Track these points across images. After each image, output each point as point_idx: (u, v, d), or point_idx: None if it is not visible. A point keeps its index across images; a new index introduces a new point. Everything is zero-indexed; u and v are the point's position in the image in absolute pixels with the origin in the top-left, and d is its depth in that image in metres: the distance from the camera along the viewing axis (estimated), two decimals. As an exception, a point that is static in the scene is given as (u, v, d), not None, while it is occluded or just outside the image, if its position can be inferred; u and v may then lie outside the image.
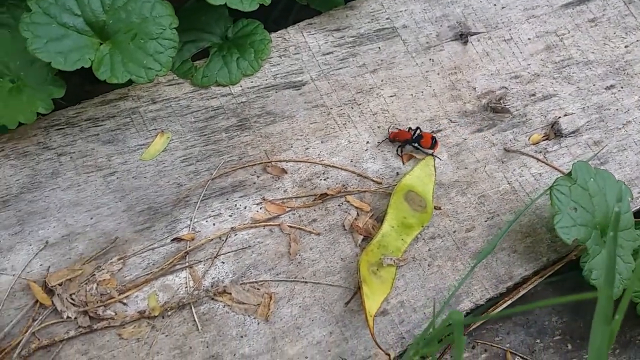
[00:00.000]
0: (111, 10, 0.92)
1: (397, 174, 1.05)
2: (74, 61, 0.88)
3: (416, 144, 1.04)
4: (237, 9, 0.96)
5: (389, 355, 0.87)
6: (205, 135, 1.03)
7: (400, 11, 1.18)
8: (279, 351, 0.90)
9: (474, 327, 1.00)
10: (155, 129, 1.01)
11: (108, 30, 0.92)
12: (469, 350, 1.02)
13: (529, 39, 1.20)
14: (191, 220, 0.96)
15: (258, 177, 1.01)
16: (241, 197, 0.99)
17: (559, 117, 1.13)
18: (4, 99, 0.91)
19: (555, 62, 1.19)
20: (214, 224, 0.97)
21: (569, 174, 0.97)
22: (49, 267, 0.90)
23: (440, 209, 1.02)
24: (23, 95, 0.90)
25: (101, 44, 0.91)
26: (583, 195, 0.96)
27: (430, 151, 1.04)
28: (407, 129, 1.06)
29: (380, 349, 0.88)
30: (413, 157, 1.05)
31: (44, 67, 0.90)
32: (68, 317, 0.87)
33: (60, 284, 0.88)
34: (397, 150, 1.06)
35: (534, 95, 1.15)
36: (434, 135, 1.05)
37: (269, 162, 1.02)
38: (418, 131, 1.05)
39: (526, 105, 1.14)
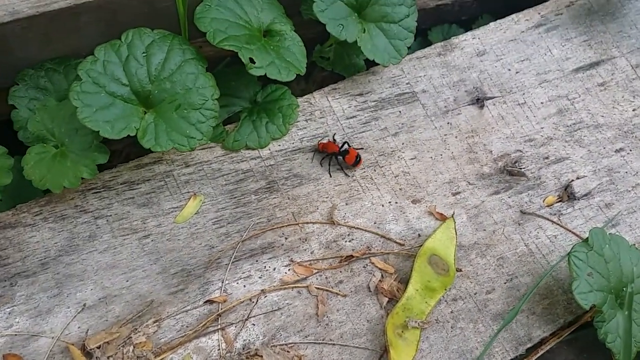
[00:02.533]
0: (157, 81, 0.95)
1: (419, 235, 1.08)
2: (121, 129, 0.91)
3: (341, 158, 1.07)
4: (277, 79, 1.00)
5: None
6: (235, 197, 1.06)
7: (420, 76, 1.23)
8: (308, 414, 0.92)
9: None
10: (188, 192, 1.04)
11: (153, 100, 0.95)
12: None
13: (541, 103, 1.24)
14: (222, 282, 0.99)
15: (286, 238, 1.04)
16: (270, 258, 1.02)
17: (572, 180, 1.17)
18: (48, 164, 0.94)
19: (567, 126, 1.23)
20: (244, 286, 0.99)
21: (586, 240, 1.00)
22: (87, 329, 0.92)
23: (461, 270, 1.06)
24: (67, 160, 0.94)
25: (145, 112, 0.94)
26: (599, 261, 0.99)
27: (353, 168, 1.09)
28: (335, 142, 1.10)
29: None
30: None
31: (89, 135, 0.93)
32: (106, 380, 0.89)
33: (98, 347, 0.91)
34: (320, 162, 1.09)
35: (547, 158, 1.19)
36: (359, 154, 1.09)
37: (296, 223, 1.05)
38: (345, 146, 1.08)
39: (540, 168, 1.17)
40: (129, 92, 0.94)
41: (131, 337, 0.92)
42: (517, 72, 1.26)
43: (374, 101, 1.18)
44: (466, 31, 1.46)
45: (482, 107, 1.22)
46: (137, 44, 0.96)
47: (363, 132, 1.15)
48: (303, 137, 1.12)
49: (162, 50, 0.97)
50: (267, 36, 1.06)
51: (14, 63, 1.03)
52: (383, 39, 1.14)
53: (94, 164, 0.93)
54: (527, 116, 1.22)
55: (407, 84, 1.21)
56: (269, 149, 1.10)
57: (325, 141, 1.09)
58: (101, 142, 0.94)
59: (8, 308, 0.92)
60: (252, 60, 0.99)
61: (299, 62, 1.05)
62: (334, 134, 1.11)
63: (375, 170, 1.12)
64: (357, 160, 1.07)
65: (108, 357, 0.90)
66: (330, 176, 1.09)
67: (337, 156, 1.07)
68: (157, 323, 0.94)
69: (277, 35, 1.06)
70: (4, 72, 1.04)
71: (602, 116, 1.23)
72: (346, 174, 1.10)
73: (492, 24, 1.32)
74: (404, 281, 1.02)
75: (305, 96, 1.16)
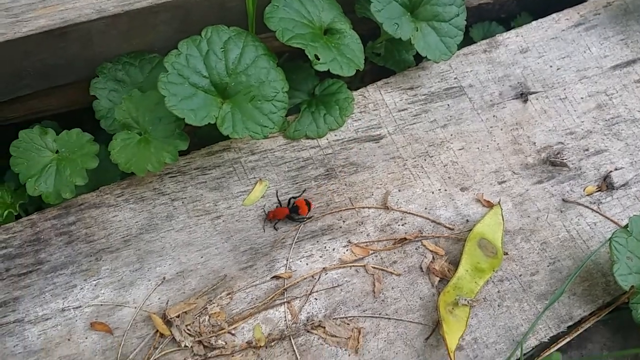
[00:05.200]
0: (234, 74, 1.03)
1: (467, 221, 1.14)
2: (202, 118, 0.99)
3: (295, 215, 1.07)
4: (339, 74, 1.07)
5: None
6: (297, 183, 1.13)
7: (467, 71, 1.29)
8: (368, 381, 0.99)
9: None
10: (255, 177, 1.12)
11: (229, 91, 1.03)
12: (530, 384, 1.11)
13: (581, 98, 1.30)
14: (287, 260, 1.07)
15: (344, 221, 1.11)
16: (330, 239, 1.09)
17: (610, 171, 1.22)
18: (133, 150, 1.02)
19: (606, 120, 1.28)
20: (307, 264, 1.07)
21: (626, 226, 1.06)
22: (167, 300, 1.00)
23: (507, 254, 1.12)
24: (150, 146, 1.01)
25: (223, 103, 1.02)
26: (638, 246, 1.05)
27: (308, 216, 1.08)
28: (278, 206, 1.09)
29: (464, 382, 0.97)
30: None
31: (172, 123, 1.01)
32: (185, 345, 0.97)
33: (177, 316, 0.99)
34: (274, 226, 1.08)
35: (587, 150, 1.25)
36: (306, 199, 1.08)
37: (353, 208, 1.13)
38: (292, 201, 1.07)
39: (581, 160, 1.23)
40: (208, 83, 1.02)
41: (206, 308, 1.00)
42: (558, 69, 1.32)
43: (424, 95, 1.24)
44: (505, 29, 1.52)
45: (525, 101, 1.27)
46: (216, 40, 1.03)
47: (414, 123, 1.21)
48: (358, 128, 1.19)
49: (238, 46, 1.05)
50: (328, 34, 1.13)
51: (94, 57, 1.10)
52: (434, 36, 1.20)
53: (175, 150, 1.01)
54: (568, 110, 1.27)
55: (454, 78, 1.27)
56: (327, 139, 1.17)
57: (273, 209, 1.07)
58: (183, 129, 1.01)
59: (94, 280, 1.00)
60: (316, 57, 1.06)
61: (358, 58, 1.12)
62: (276, 194, 1.12)
63: (425, 160, 1.18)
64: (309, 206, 1.07)
65: (186, 326, 0.98)
66: (301, 223, 1.09)
67: (291, 216, 1.07)
68: (230, 296, 1.02)
69: (337, 33, 1.13)
70: (85, 66, 1.11)
71: (639, 111, 1.28)
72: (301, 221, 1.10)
73: (534, 22, 1.37)
74: (454, 262, 1.09)
75: (360, 90, 1.23)
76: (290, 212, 1.06)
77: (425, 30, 1.19)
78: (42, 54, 1.00)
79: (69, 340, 0.95)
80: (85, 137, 1.02)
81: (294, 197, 1.08)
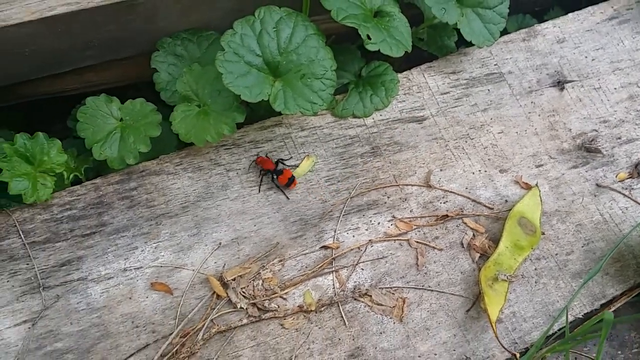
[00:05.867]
0: (285, 53, 1.07)
1: (506, 201, 1.19)
2: (256, 94, 1.03)
3: (274, 177, 1.09)
4: (388, 54, 1.11)
5: (515, 355, 1.01)
6: (344, 159, 1.17)
7: (506, 59, 1.33)
8: (412, 347, 1.04)
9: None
10: (304, 152, 1.17)
11: (281, 70, 1.07)
12: (562, 358, 1.16)
13: (614, 88, 1.34)
14: (335, 232, 1.11)
15: (388, 197, 1.16)
16: (375, 214, 1.14)
17: (643, 159, 1.27)
18: (193, 121, 1.06)
19: (637, 110, 1.32)
20: (353, 236, 1.11)
21: (659, 210, 1.10)
22: (223, 264, 1.05)
23: (544, 233, 1.16)
24: (210, 118, 1.06)
25: (275, 80, 1.06)
26: (671, 230, 1.09)
27: (286, 189, 1.11)
28: (275, 161, 1.10)
29: (507, 350, 1.01)
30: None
31: (231, 97, 1.05)
32: (240, 307, 1.02)
33: (233, 279, 1.03)
34: (259, 175, 1.10)
35: (619, 138, 1.29)
36: (294, 175, 1.10)
37: (397, 185, 1.17)
38: (281, 166, 1.09)
39: (613, 147, 1.27)
40: (261, 62, 1.06)
41: (260, 273, 1.05)
42: (592, 60, 1.36)
43: (465, 79, 1.29)
44: (538, 22, 1.55)
45: (562, 89, 1.31)
46: (268, 20, 1.08)
47: (455, 106, 1.25)
48: (402, 109, 1.23)
49: (289, 26, 1.09)
50: (378, 17, 1.17)
51: (155, 31, 1.15)
52: (479, 23, 1.24)
53: (233, 122, 1.06)
54: (601, 100, 1.32)
55: (495, 65, 1.31)
56: (373, 118, 1.21)
57: (264, 157, 1.09)
58: (240, 103, 1.06)
59: (154, 243, 1.05)
60: (368, 37, 1.10)
61: (406, 40, 1.16)
62: (280, 159, 1.13)
63: (466, 142, 1.22)
64: (290, 182, 1.09)
65: (241, 289, 1.02)
66: (259, 192, 1.11)
67: (272, 174, 1.08)
68: (281, 262, 1.06)
69: (386, 15, 1.17)
70: (145, 40, 1.16)
71: (671, 103, 1.33)
72: (283, 192, 1.13)
73: (570, 14, 1.41)
74: (494, 240, 1.13)
75: (404, 72, 1.27)
76: (273, 172, 1.08)
77: (470, 17, 1.23)
78: (109, 25, 1.05)
79: (130, 298, 0.99)
80: (149, 106, 1.07)
81: (283, 163, 1.11)
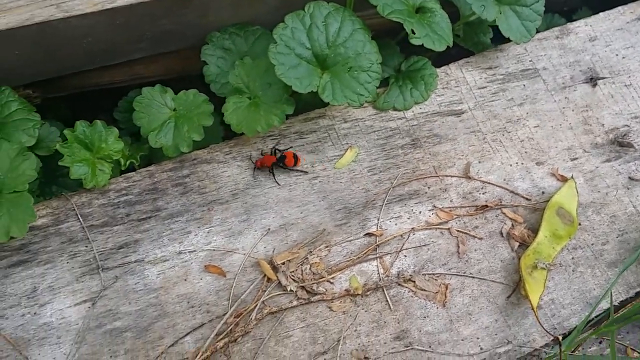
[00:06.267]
0: (333, 46, 1.11)
1: (543, 192, 1.22)
2: (306, 86, 1.07)
3: (281, 164, 1.10)
4: (431, 48, 1.14)
5: (557, 338, 1.04)
6: (385, 150, 1.21)
7: (541, 55, 1.37)
8: (455, 331, 1.07)
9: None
10: (347, 144, 1.20)
11: (328, 62, 1.11)
12: (596, 344, 1.19)
13: (646, 85, 1.37)
14: (378, 220, 1.15)
15: (429, 188, 1.19)
16: (416, 203, 1.17)
17: (674, 154, 1.30)
18: (244, 112, 1.10)
19: (668, 106, 1.35)
20: (396, 224, 1.15)
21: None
22: (273, 249, 1.09)
23: (580, 224, 1.20)
24: (260, 109, 1.10)
25: (323, 73, 1.10)
26: None
27: (297, 167, 1.12)
28: (269, 153, 1.12)
29: (549, 334, 1.05)
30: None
31: (281, 89, 1.09)
32: (290, 290, 1.05)
33: (282, 263, 1.07)
34: (271, 175, 1.13)
35: (651, 133, 1.32)
36: (295, 153, 1.12)
37: (437, 176, 1.21)
38: (278, 153, 1.10)
39: (646, 142, 1.30)
40: (311, 55, 1.10)
41: (307, 258, 1.08)
42: (623, 57, 1.39)
43: (502, 75, 1.32)
44: (567, 21, 1.59)
45: (594, 85, 1.35)
46: (317, 15, 1.11)
47: (492, 101, 1.29)
48: (441, 103, 1.27)
49: (337, 20, 1.13)
50: (420, 12, 1.21)
51: (205, 25, 1.19)
52: (516, 19, 1.28)
53: (283, 113, 1.09)
54: (632, 96, 1.35)
55: (530, 61, 1.35)
56: (412, 111, 1.25)
57: (261, 157, 1.12)
58: (290, 95, 1.10)
59: (207, 228, 1.08)
60: (412, 31, 1.14)
61: (447, 35, 1.20)
62: (273, 147, 1.16)
63: (503, 135, 1.26)
64: (296, 159, 1.10)
65: (290, 272, 1.06)
66: (279, 184, 1.13)
67: (278, 165, 1.10)
68: (328, 248, 1.10)
69: (428, 12, 1.20)
70: (195, 34, 1.20)
71: (702, 99, 1.36)
72: (303, 171, 1.14)
73: (601, 14, 1.45)
74: (532, 229, 1.17)
75: (442, 67, 1.31)
76: (277, 161, 1.09)
77: (508, 14, 1.26)
78: (164, 18, 1.09)
79: (185, 280, 1.03)
80: (201, 97, 1.11)
81: (278, 150, 1.12)
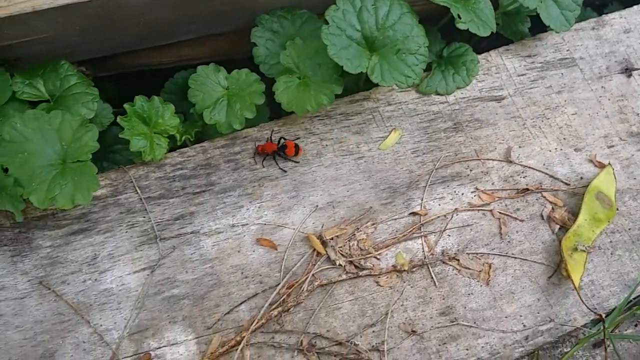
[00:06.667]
0: (382, 29, 1.14)
1: (581, 178, 1.25)
2: (356, 66, 1.10)
3: (282, 153, 1.11)
4: (476, 33, 1.17)
5: (601, 316, 1.07)
6: (428, 133, 1.24)
7: (578, 45, 1.39)
8: (499, 309, 1.10)
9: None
10: (391, 126, 1.23)
11: (377, 44, 1.13)
12: (632, 327, 1.22)
13: (680, 76, 1.40)
14: (422, 200, 1.18)
15: (470, 170, 1.22)
16: (458, 185, 1.20)
17: None
18: (294, 92, 1.13)
19: (702, 98, 1.38)
20: (439, 205, 1.18)
21: None
22: (321, 225, 1.12)
23: (618, 209, 1.22)
24: (310, 89, 1.13)
25: (371, 54, 1.13)
26: None
27: (296, 159, 1.12)
28: (270, 141, 1.13)
29: (593, 312, 1.07)
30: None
31: (330, 69, 1.12)
32: (339, 264, 1.08)
33: (331, 239, 1.10)
34: (262, 162, 1.12)
35: (686, 123, 1.34)
36: (297, 143, 1.12)
37: (478, 159, 1.23)
38: (282, 141, 1.11)
39: (681, 132, 1.33)
40: (360, 37, 1.13)
41: (355, 235, 1.11)
42: (658, 49, 1.41)
43: (540, 63, 1.35)
44: (598, 14, 1.62)
45: (629, 76, 1.38)
46: (367, -2, 1.14)
47: (531, 88, 1.32)
48: (482, 88, 1.30)
49: (386, 4, 1.15)
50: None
51: (254, 8, 1.22)
52: (556, 9, 1.30)
53: (332, 93, 1.12)
54: (667, 87, 1.37)
55: (567, 50, 1.37)
56: (454, 96, 1.28)
57: (262, 143, 1.12)
58: (339, 76, 1.12)
59: (258, 203, 1.11)
60: (459, 16, 1.17)
61: (491, 21, 1.23)
62: (271, 135, 1.16)
63: (542, 121, 1.29)
64: (297, 149, 1.11)
65: (339, 247, 1.09)
66: (285, 171, 1.14)
67: (278, 153, 1.11)
68: (374, 226, 1.13)
69: (472, -1, 1.23)
70: (244, 16, 1.23)
71: None
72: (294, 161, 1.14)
73: (635, 7, 1.47)
74: (572, 213, 1.19)
75: (483, 54, 1.33)
76: (278, 150, 1.10)
77: (548, 3, 1.29)
78: (218, -1, 1.12)
79: (238, 252, 1.06)
80: (253, 76, 1.14)
81: (284, 138, 1.12)
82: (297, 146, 1.11)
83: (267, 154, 1.11)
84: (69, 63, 1.06)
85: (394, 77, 1.11)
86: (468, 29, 1.17)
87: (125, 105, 1.04)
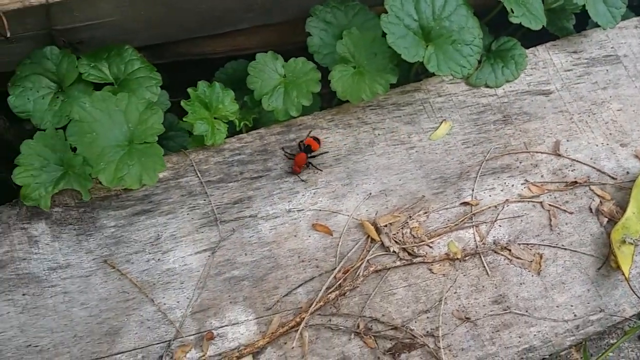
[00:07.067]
0: (438, 19, 1.15)
1: (628, 172, 1.26)
2: (413, 55, 1.11)
3: (311, 154, 1.10)
4: (528, 27, 1.19)
5: None
6: (477, 125, 1.25)
7: (622, 43, 1.40)
8: (550, 298, 1.11)
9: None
10: (441, 117, 1.24)
11: (433, 34, 1.15)
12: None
13: None
14: (472, 191, 1.19)
15: (520, 163, 1.23)
16: (508, 177, 1.21)
17: None
18: (349, 81, 1.14)
19: None
20: (489, 195, 1.19)
21: None
22: (375, 212, 1.13)
23: (665, 204, 1.23)
24: (365, 78, 1.14)
25: (427, 44, 1.15)
26: None
27: (323, 150, 1.13)
28: (298, 151, 1.12)
29: (646, 302, 1.08)
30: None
31: (386, 59, 1.13)
32: (393, 251, 1.10)
33: (385, 226, 1.11)
34: (313, 170, 1.12)
35: None
36: (314, 136, 1.13)
37: (528, 152, 1.25)
38: (302, 144, 1.10)
39: None
40: (417, 26, 1.14)
41: (407, 222, 1.12)
42: (699, 49, 1.42)
43: (586, 59, 1.36)
44: (636, 15, 1.63)
45: (673, 73, 1.38)
46: (425, -12, 1.16)
47: (577, 83, 1.33)
48: (530, 82, 1.31)
49: (442, -6, 1.17)
50: (516, -6, 1.25)
51: (308, -1, 1.23)
52: (603, 6, 1.32)
53: (387, 82, 1.14)
54: None
55: (611, 47, 1.38)
56: (503, 89, 1.29)
57: (293, 164, 1.11)
58: (394, 65, 1.14)
59: (313, 189, 1.13)
60: (512, 10, 1.18)
61: (542, 16, 1.24)
62: (286, 152, 1.14)
63: (589, 116, 1.30)
64: (318, 141, 1.13)
65: (392, 234, 1.10)
66: (321, 170, 1.14)
67: (311, 157, 1.11)
68: (426, 214, 1.14)
69: (523, -7, 1.24)
70: (296, 5, 1.24)
71: None
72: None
73: (677, 8, 1.48)
74: (620, 206, 1.20)
75: (530, 49, 1.35)
76: (307, 153, 1.09)
77: (596, 0, 1.30)
78: (275, -12, 1.13)
79: (295, 236, 1.08)
80: (309, 65, 1.15)
81: (301, 142, 1.11)
82: (316, 138, 1.11)
83: (305, 165, 1.09)
84: (133, 47, 1.08)
85: (449, 67, 1.12)
86: (520, 23, 1.17)
87: (189, 90, 1.05)
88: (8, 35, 0.90)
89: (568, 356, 1.11)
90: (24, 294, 0.97)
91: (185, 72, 1.36)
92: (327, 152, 1.14)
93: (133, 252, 1.01)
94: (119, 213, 1.03)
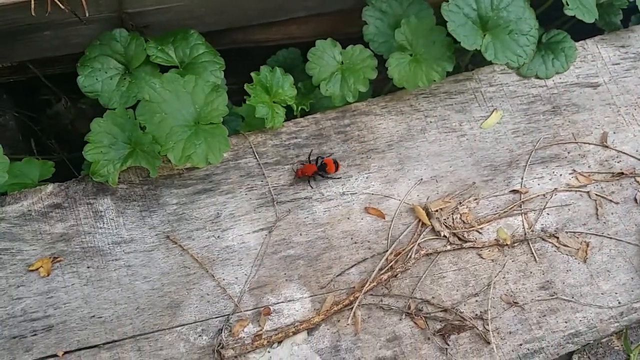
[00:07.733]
0: (496, 10, 1.16)
1: (673, 167, 1.25)
2: (472, 43, 1.12)
3: (322, 173, 1.08)
4: (582, 20, 1.19)
5: None
6: (527, 115, 1.26)
7: (671, 37, 1.39)
8: (595, 285, 1.12)
9: None
10: (492, 106, 1.25)
11: (490, 24, 1.15)
12: None
13: None
14: (522, 179, 1.20)
15: (568, 153, 1.24)
16: (557, 166, 1.22)
17: None
18: (406, 68, 1.16)
19: None
20: (538, 184, 1.20)
21: None
22: (426, 197, 1.15)
23: None
24: (421, 66, 1.15)
25: (484, 33, 1.16)
26: None
27: (338, 175, 1.11)
28: (308, 162, 1.11)
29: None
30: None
31: (444, 47, 1.15)
32: (444, 235, 1.11)
33: (436, 211, 1.13)
34: (309, 183, 1.10)
35: None
36: (335, 159, 1.11)
37: (576, 142, 1.25)
38: (320, 160, 1.09)
39: None
40: (476, 16, 1.15)
41: (457, 208, 1.14)
42: None
43: (633, 53, 1.36)
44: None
45: None
46: (484, -22, 1.16)
47: (625, 77, 1.33)
48: (579, 75, 1.31)
49: (500, -15, 1.17)
50: (569, -13, 1.25)
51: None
52: (650, 2, 1.31)
53: (444, 70, 1.15)
54: None
55: (660, 42, 1.38)
56: (553, 80, 1.29)
57: (301, 167, 1.09)
58: (452, 53, 1.15)
59: (365, 174, 1.15)
60: (567, 3, 1.18)
61: (594, 10, 1.24)
62: (309, 156, 1.14)
63: (635, 109, 1.30)
64: (337, 165, 1.10)
65: (443, 219, 1.12)
66: (313, 187, 1.12)
67: (319, 173, 1.09)
68: (476, 201, 1.15)
69: (575, -13, 1.24)
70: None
71: None
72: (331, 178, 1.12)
73: None
74: (667, 198, 1.20)
75: (579, 42, 1.35)
76: (319, 170, 1.07)
77: (644, -4, 1.30)
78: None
79: (348, 218, 1.10)
80: (367, 52, 1.17)
81: (321, 157, 1.10)
82: (336, 162, 1.09)
83: (308, 177, 1.08)
84: (198, 32, 1.10)
85: (506, 56, 1.14)
86: (574, 15, 1.18)
87: (252, 74, 1.08)
88: (87, 15, 0.93)
89: (609, 343, 1.12)
90: (88, 267, 1.01)
91: (237, 59, 1.39)
92: (339, 177, 1.12)
93: (194, 228, 1.05)
94: (181, 191, 1.07)
